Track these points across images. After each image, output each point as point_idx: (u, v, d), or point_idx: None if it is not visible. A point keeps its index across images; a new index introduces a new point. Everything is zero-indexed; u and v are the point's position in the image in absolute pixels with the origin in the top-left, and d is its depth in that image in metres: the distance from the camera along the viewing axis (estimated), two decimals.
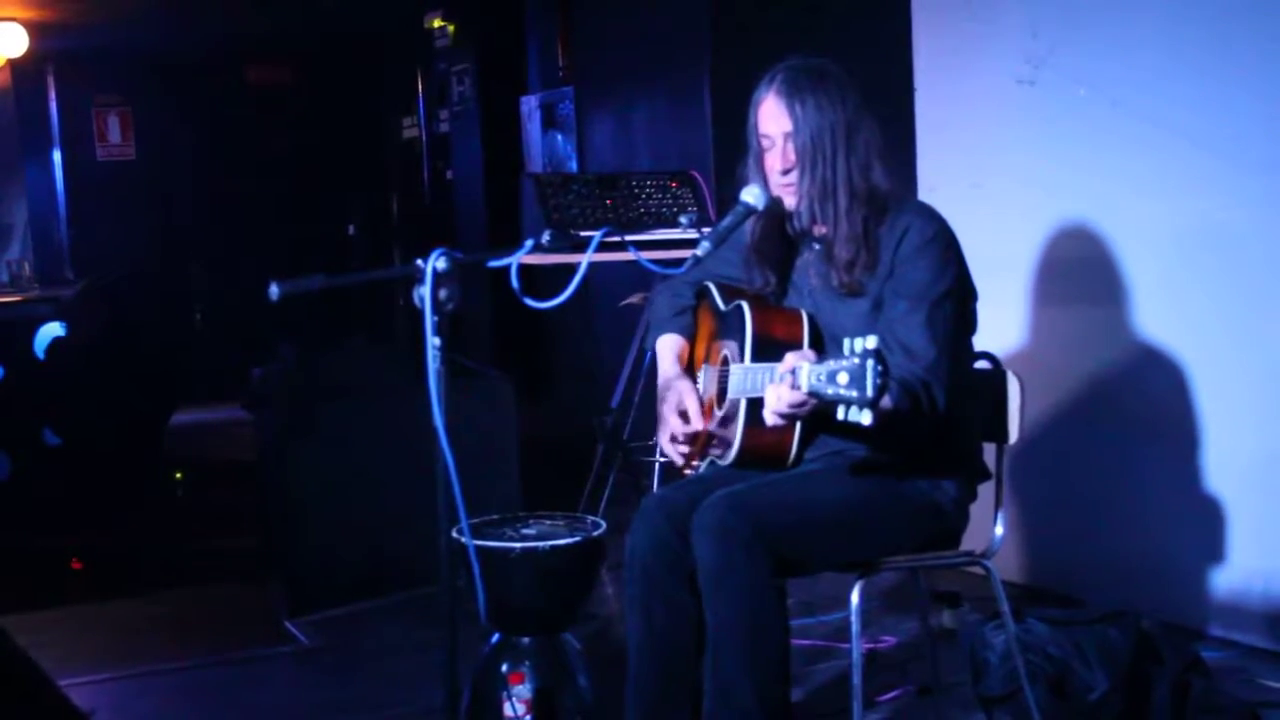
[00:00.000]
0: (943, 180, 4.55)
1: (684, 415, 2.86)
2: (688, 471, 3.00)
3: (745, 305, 2.79)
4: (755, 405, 2.65)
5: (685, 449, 2.88)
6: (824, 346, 2.74)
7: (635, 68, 6.63)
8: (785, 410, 2.44)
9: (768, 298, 2.88)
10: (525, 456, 4.97)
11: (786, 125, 2.72)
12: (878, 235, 2.73)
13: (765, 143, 2.76)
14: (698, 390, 2.93)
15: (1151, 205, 3.92)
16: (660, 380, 2.98)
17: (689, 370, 3.00)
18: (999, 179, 4.39)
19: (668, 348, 3.03)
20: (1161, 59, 3.86)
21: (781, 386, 2.41)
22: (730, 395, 2.77)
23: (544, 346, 7.98)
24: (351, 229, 10.84)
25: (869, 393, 2.23)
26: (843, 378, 2.27)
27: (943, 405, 2.63)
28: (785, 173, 2.74)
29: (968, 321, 2.82)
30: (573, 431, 6.28)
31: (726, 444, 2.78)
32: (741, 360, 2.75)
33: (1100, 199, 4.07)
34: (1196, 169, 3.79)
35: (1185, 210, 3.84)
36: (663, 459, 4.59)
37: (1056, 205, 4.19)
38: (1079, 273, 4.15)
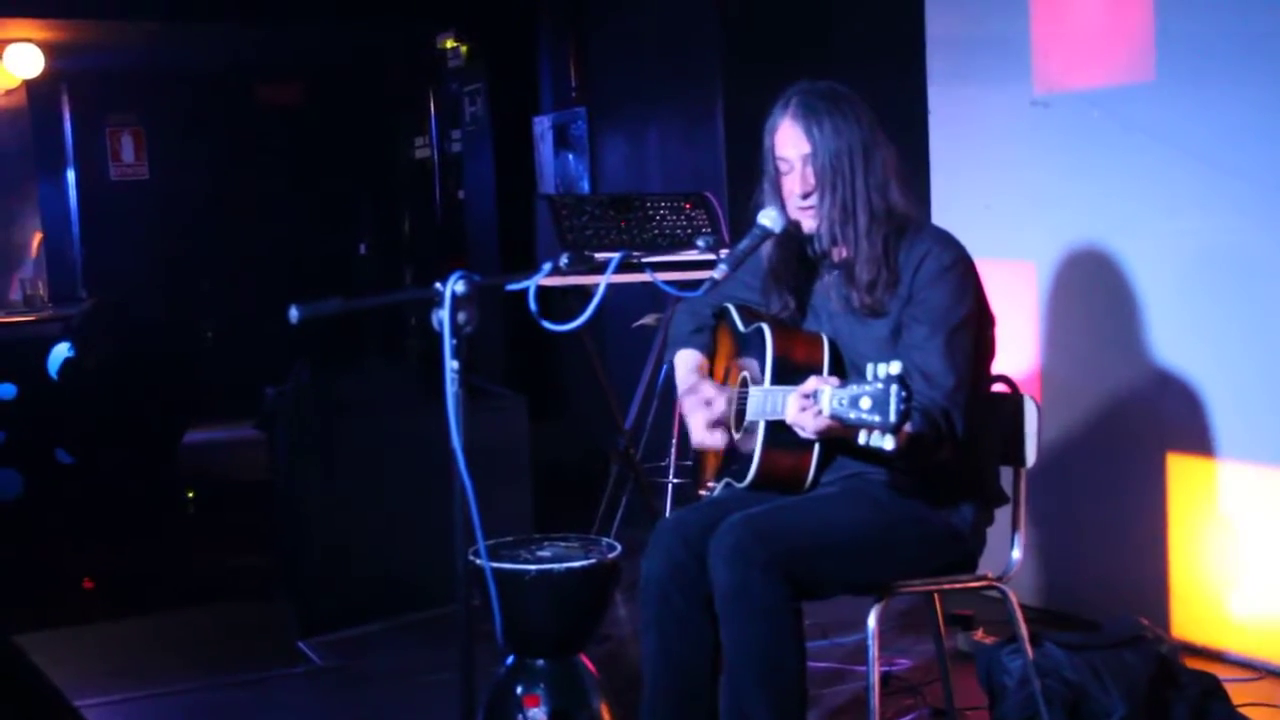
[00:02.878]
0: (956, 201, 4.54)
1: (708, 403, 2.87)
2: (703, 492, 3.00)
3: (766, 327, 2.79)
4: (774, 427, 2.65)
5: (721, 433, 2.87)
6: (844, 371, 2.74)
7: (648, 89, 6.64)
8: (806, 426, 2.44)
9: (787, 321, 2.88)
10: (538, 477, 4.96)
11: (805, 148, 2.72)
12: (897, 255, 2.73)
13: (784, 166, 2.76)
14: (718, 386, 2.93)
15: (1165, 225, 3.92)
16: (680, 389, 2.99)
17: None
18: (1012, 200, 4.39)
19: (685, 362, 3.03)
20: (1175, 79, 3.86)
21: (797, 408, 2.42)
22: (749, 417, 2.77)
23: (557, 367, 7.98)
24: (363, 248, 10.86)
25: (892, 418, 2.24)
26: (865, 402, 2.27)
27: (961, 432, 2.64)
28: (805, 196, 2.74)
29: (986, 348, 2.82)
30: (586, 452, 6.27)
31: (744, 463, 2.78)
32: (761, 382, 2.75)
33: (1114, 220, 4.06)
34: (1210, 189, 3.79)
35: (1199, 230, 3.84)
36: (677, 480, 4.59)
37: (1070, 226, 4.19)
38: (1093, 294, 4.14)
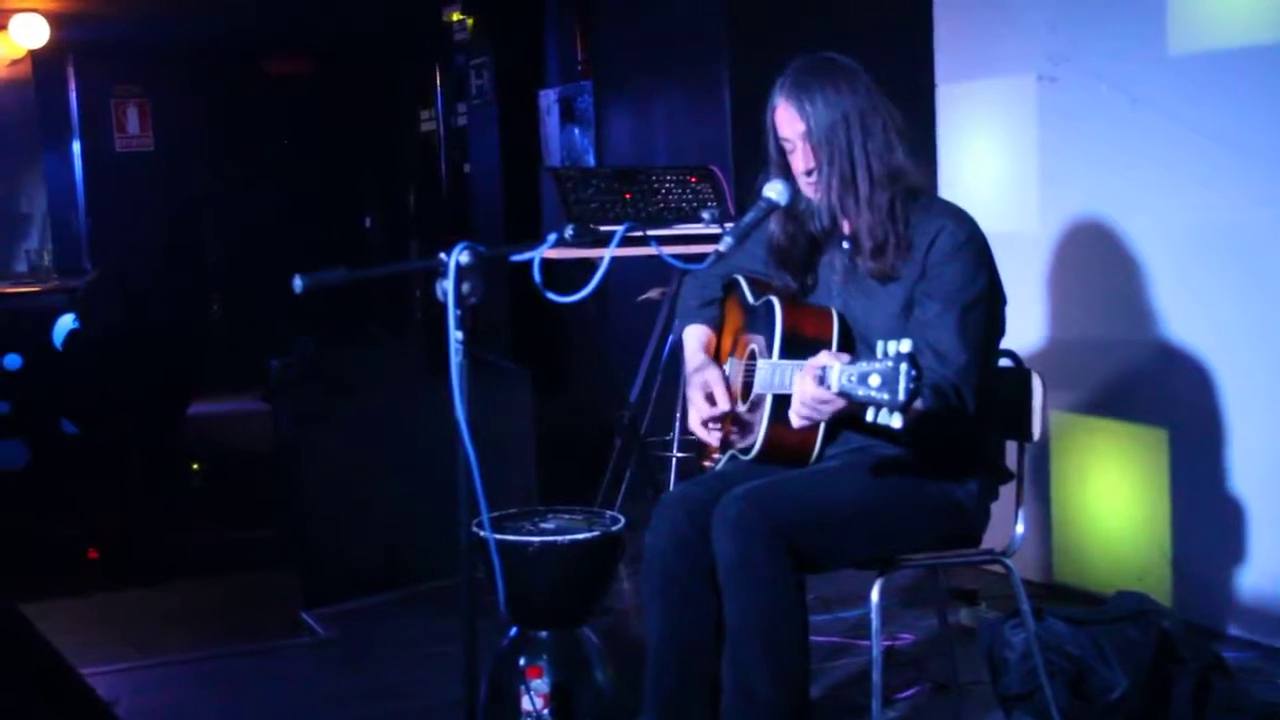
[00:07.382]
0: (963, 177, 4.53)
1: (710, 398, 2.86)
2: (707, 464, 2.99)
3: (776, 301, 2.78)
4: (781, 401, 2.64)
5: (718, 430, 2.87)
6: (853, 347, 2.73)
7: (654, 62, 6.61)
8: (810, 405, 2.43)
9: (796, 295, 2.87)
10: (542, 450, 4.96)
11: (800, 126, 2.72)
12: (908, 219, 2.71)
13: (787, 146, 2.76)
14: (725, 377, 2.92)
15: (1172, 202, 3.90)
16: (687, 368, 2.99)
17: (714, 361, 3.00)
18: (1019, 175, 4.37)
19: (694, 337, 3.03)
20: (1183, 55, 3.84)
21: (809, 381, 2.41)
22: (756, 390, 2.77)
23: (560, 340, 7.98)
24: (368, 221, 10.85)
25: (901, 396, 2.23)
26: (874, 380, 2.26)
27: (972, 409, 2.63)
28: (809, 173, 2.74)
29: (996, 326, 2.81)
30: (589, 426, 6.27)
31: (749, 436, 2.77)
32: (769, 356, 2.74)
33: (1121, 196, 4.05)
34: (1217, 166, 3.77)
35: (1206, 208, 3.82)
36: (680, 454, 4.59)
37: (1077, 202, 4.18)
38: (1100, 271, 4.13)
